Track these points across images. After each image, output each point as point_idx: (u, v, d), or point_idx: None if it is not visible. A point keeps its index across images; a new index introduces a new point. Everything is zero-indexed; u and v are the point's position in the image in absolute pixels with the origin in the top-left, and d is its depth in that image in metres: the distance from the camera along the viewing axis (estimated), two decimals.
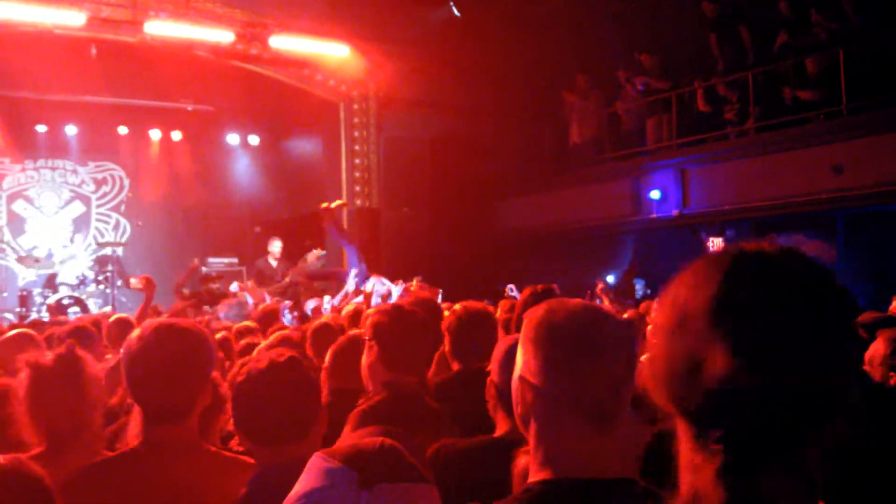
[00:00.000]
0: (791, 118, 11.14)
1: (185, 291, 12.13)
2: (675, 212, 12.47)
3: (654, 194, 12.75)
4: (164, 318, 3.11)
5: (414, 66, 13.37)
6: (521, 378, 1.58)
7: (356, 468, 1.50)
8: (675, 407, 0.96)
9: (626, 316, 4.99)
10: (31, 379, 2.59)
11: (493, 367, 2.42)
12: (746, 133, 11.92)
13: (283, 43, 13.04)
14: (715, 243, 13.42)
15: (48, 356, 2.66)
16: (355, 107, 14.24)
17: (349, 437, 1.86)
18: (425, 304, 4.26)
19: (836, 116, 10.63)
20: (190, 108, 15.73)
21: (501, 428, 2.50)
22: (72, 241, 15.14)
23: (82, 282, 13.50)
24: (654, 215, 12.79)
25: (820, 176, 10.43)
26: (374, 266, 13.33)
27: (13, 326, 6.25)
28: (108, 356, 4.76)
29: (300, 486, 1.53)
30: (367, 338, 3.13)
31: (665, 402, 0.97)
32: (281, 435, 2.17)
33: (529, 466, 1.60)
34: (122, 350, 2.59)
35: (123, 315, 5.96)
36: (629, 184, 13.23)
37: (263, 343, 4.82)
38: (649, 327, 3.63)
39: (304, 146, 16.41)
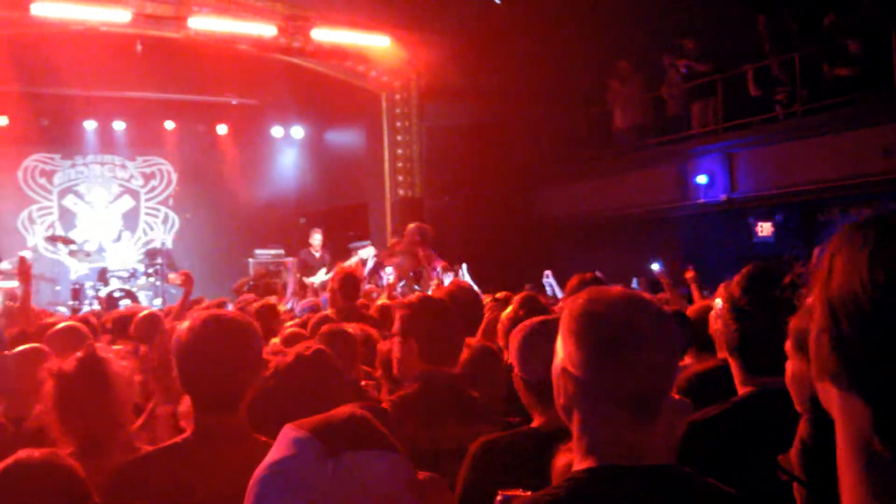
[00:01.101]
0: (840, 100, 10.93)
1: (246, 290, 12.37)
2: (722, 196, 12.32)
3: (701, 179, 12.61)
4: (212, 310, 3.16)
5: (455, 54, 13.35)
6: (563, 370, 1.58)
7: (322, 437, 1.50)
8: (856, 387, 0.85)
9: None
10: (56, 387, 2.61)
11: (513, 361, 2.42)
12: (794, 115, 11.72)
13: (325, 35, 13.10)
14: (763, 228, 13.24)
15: (70, 362, 2.68)
16: (397, 97, 14.27)
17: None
18: (464, 292, 4.25)
19: (886, 98, 10.41)
20: (234, 102, 15.91)
21: (538, 419, 2.53)
22: (119, 238, 15.38)
23: (133, 274, 13.73)
24: (702, 200, 12.65)
25: (870, 158, 10.24)
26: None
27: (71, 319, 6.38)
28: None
29: (269, 456, 1.55)
30: (395, 331, 3.13)
31: (832, 378, 0.89)
32: None
33: (574, 456, 1.61)
34: (173, 342, 2.64)
35: (154, 309, 6.06)
36: (675, 169, 13.10)
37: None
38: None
39: (347, 137, 16.50)
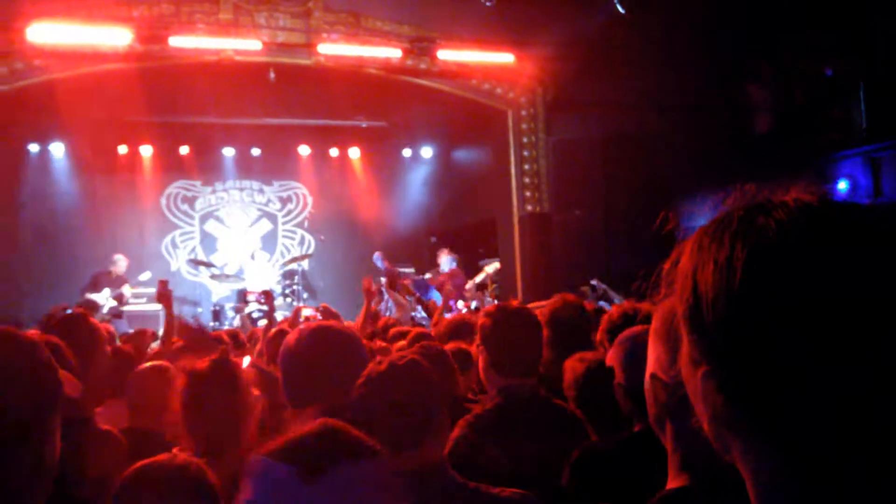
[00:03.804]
0: None
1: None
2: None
3: (842, 185, 11.98)
4: (320, 321, 3.17)
5: (581, 66, 13.18)
6: (653, 376, 1.46)
7: (295, 462, 1.41)
8: None
9: None
10: (186, 385, 2.66)
11: (615, 366, 2.29)
12: None
13: (450, 55, 13.18)
14: None
15: (203, 362, 2.74)
16: (523, 113, 14.20)
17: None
18: (567, 307, 4.08)
19: None
20: (364, 125, 16.21)
21: (639, 425, 2.39)
22: (253, 257, 15.91)
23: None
24: None
25: None
26: (547, 272, 13.25)
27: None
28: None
29: (245, 493, 1.45)
30: (477, 342, 3.07)
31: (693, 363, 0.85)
32: (398, 441, 2.07)
33: (669, 470, 1.48)
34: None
35: (281, 326, 6.12)
36: (814, 174, 12.49)
37: None
38: None
39: (475, 154, 16.56)
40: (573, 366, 3.15)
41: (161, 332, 5.92)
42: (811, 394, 0.74)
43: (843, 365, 0.72)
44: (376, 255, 13.75)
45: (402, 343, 4.45)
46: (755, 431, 0.80)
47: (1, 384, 1.35)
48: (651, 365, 1.47)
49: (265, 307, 13.72)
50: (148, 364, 4.10)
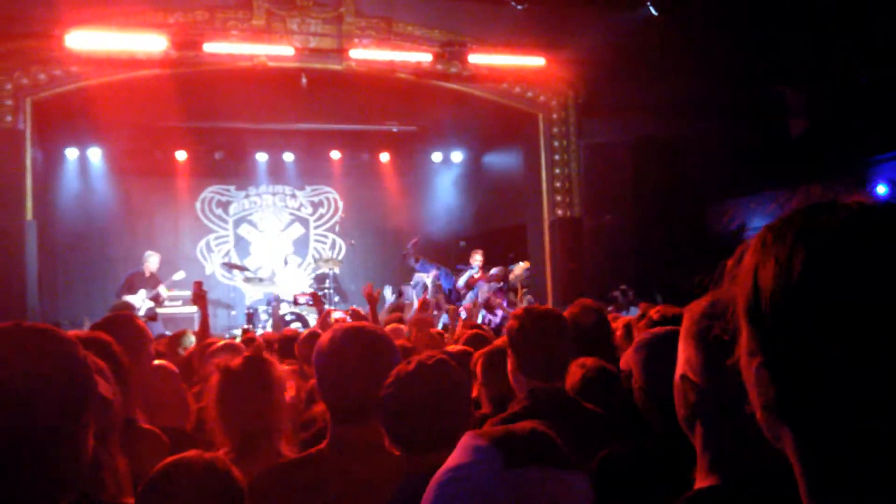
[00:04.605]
0: None
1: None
2: None
3: (881, 189, 11.83)
4: (353, 321, 3.20)
5: (613, 70, 13.14)
6: (683, 377, 1.47)
7: (503, 448, 1.45)
8: None
9: None
10: (221, 382, 2.71)
11: (634, 370, 2.27)
12: None
13: (481, 59, 13.20)
14: None
15: (237, 360, 2.78)
16: (554, 116, 14.17)
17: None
18: (586, 312, 4.08)
19: None
20: (395, 130, 16.28)
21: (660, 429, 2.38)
22: (286, 262, 16.03)
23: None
24: None
25: None
26: (578, 276, 13.21)
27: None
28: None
29: (449, 462, 1.52)
30: (506, 345, 3.08)
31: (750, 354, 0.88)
32: (426, 441, 2.11)
33: (697, 471, 1.49)
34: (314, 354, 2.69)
35: (314, 328, 6.17)
36: (853, 178, 12.33)
37: None
38: None
39: (505, 159, 16.57)
40: (573, 371, 3.16)
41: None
42: (842, 397, 0.76)
43: (875, 370, 0.74)
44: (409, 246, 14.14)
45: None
46: (800, 425, 0.82)
47: (36, 381, 1.38)
48: (681, 366, 1.48)
49: (297, 310, 13.91)
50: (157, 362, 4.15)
